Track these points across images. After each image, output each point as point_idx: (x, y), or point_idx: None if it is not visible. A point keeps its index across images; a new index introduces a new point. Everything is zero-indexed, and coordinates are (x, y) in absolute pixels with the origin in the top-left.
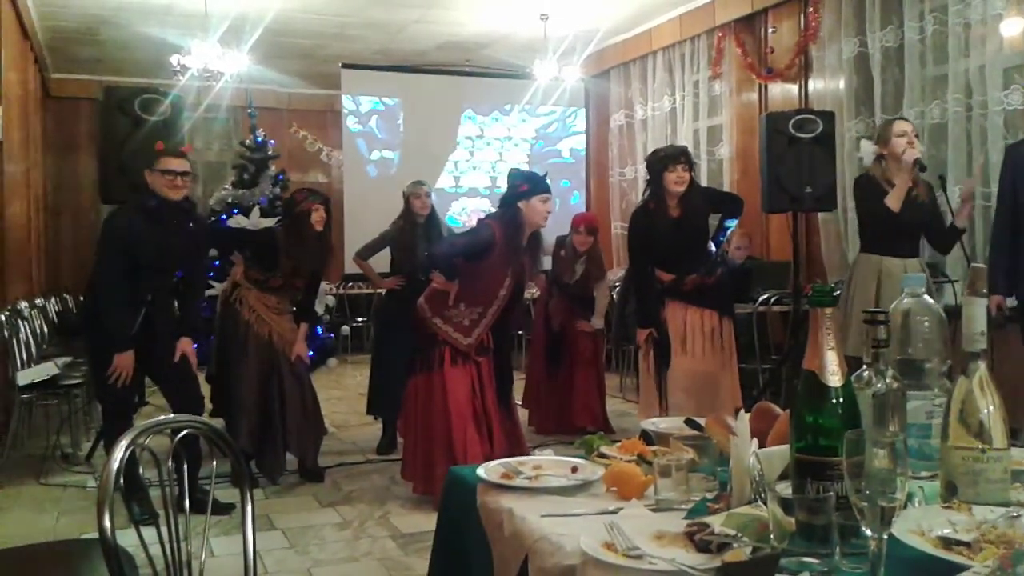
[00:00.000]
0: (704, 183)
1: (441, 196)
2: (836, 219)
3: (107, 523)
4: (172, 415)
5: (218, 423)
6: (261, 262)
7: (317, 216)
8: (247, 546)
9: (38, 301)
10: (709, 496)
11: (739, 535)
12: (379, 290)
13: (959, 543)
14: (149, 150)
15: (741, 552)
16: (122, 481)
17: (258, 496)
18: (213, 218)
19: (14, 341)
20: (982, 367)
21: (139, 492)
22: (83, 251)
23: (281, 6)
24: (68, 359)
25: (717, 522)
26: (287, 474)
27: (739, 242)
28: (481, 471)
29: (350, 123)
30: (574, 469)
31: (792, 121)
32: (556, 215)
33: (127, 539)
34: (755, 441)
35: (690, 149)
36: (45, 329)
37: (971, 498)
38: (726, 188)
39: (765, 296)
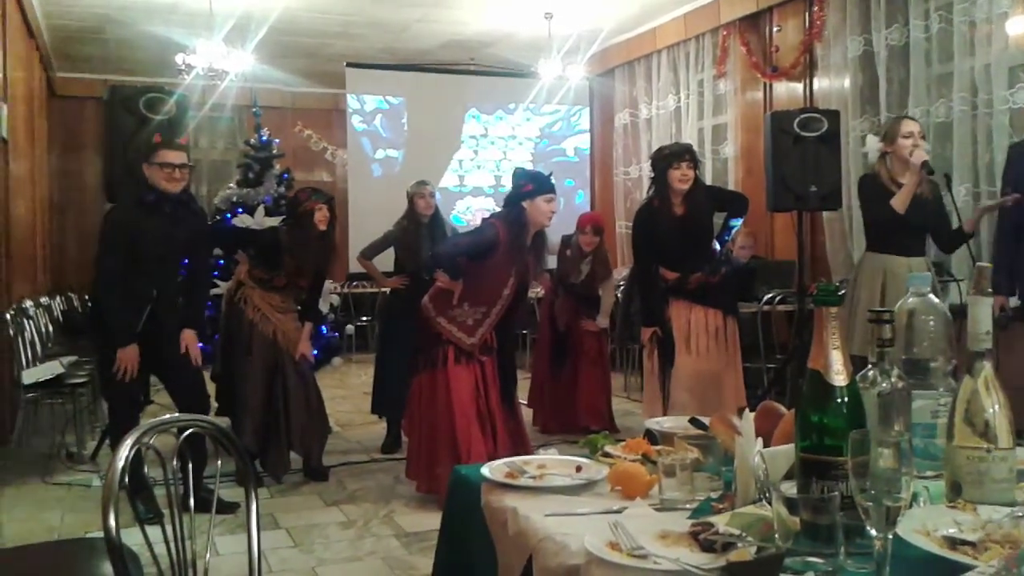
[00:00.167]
0: (708, 182)
1: (445, 195)
2: (841, 218)
3: (112, 522)
4: (178, 414)
5: (223, 422)
6: (265, 261)
7: (320, 215)
8: (252, 545)
9: (43, 300)
10: (713, 496)
11: (743, 535)
12: (383, 289)
13: (964, 543)
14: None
15: (746, 552)
16: (127, 480)
17: (263, 495)
18: (218, 217)
19: (19, 340)
20: (987, 367)
21: (144, 491)
22: (88, 250)
23: (286, 5)
24: (73, 358)
25: (721, 522)
26: (292, 473)
27: (744, 241)
28: (485, 470)
29: (354, 122)
30: (578, 468)
31: (797, 120)
32: (561, 214)
33: (132, 538)
34: (760, 440)
35: (695, 148)
36: (50, 328)
37: (976, 498)
38: (731, 187)
39: (770, 295)
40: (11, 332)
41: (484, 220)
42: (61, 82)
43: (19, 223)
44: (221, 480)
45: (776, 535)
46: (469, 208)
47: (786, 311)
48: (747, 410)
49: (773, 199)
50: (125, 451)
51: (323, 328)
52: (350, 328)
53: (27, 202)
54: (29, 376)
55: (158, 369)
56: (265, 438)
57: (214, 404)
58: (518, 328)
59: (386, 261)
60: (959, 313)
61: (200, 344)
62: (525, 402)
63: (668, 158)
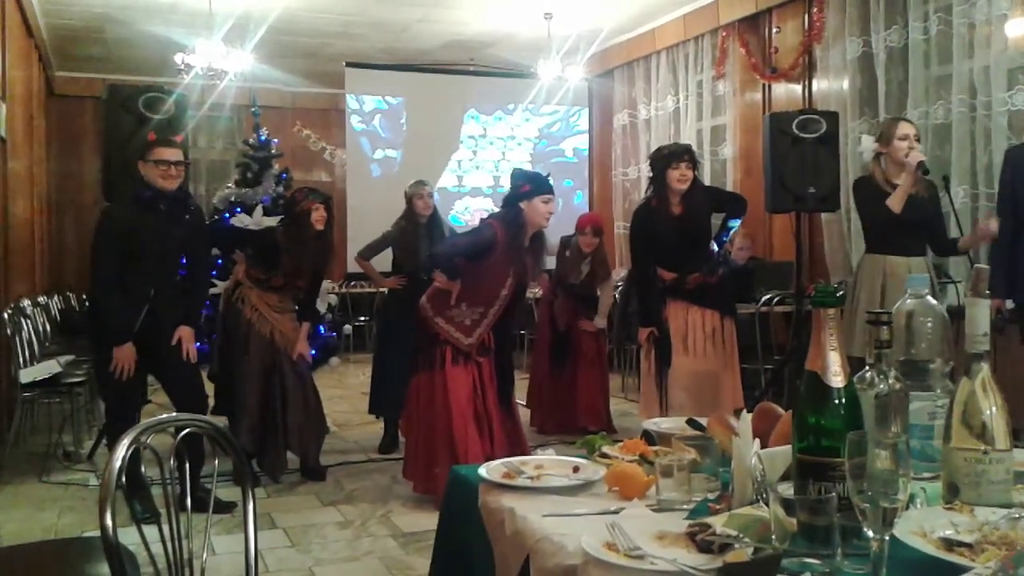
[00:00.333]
0: (707, 183)
1: (444, 195)
2: (839, 219)
3: (109, 521)
4: (175, 413)
5: (220, 421)
6: (263, 261)
7: (317, 215)
8: (249, 545)
9: (41, 299)
10: (711, 496)
11: (741, 536)
12: (382, 289)
13: (961, 544)
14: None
15: (743, 553)
16: (124, 479)
17: (260, 495)
18: (216, 217)
19: (17, 339)
20: (985, 368)
21: (141, 490)
22: (86, 249)
23: (285, 5)
24: (71, 357)
25: (719, 523)
26: (289, 473)
27: (742, 242)
28: (483, 471)
29: (353, 122)
30: (576, 469)
31: (796, 121)
32: (559, 215)
33: (129, 537)
34: (757, 441)
35: (694, 148)
36: (48, 327)
37: (973, 499)
38: (729, 188)
39: (768, 296)
40: (8, 331)
41: (482, 221)
42: (60, 81)
43: (17, 222)
44: (218, 480)
45: (773, 536)
46: (468, 208)
47: (784, 312)
48: (745, 411)
49: (772, 200)
50: (122, 450)
51: (321, 328)
52: (348, 328)
53: (25, 201)
54: (26, 375)
55: (155, 368)
56: (262, 438)
57: (211, 403)
58: (516, 329)
59: (384, 261)
60: (957, 315)
61: (197, 343)
62: (523, 402)
63: (667, 158)
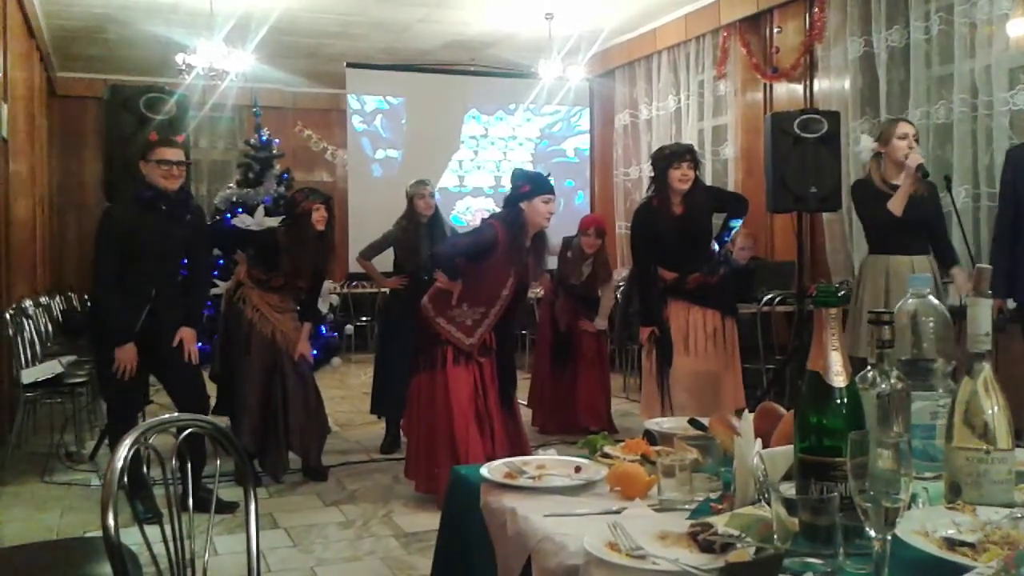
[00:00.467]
0: (708, 183)
1: (445, 195)
2: (841, 219)
3: (111, 521)
4: (177, 414)
5: (222, 422)
6: (264, 262)
7: (318, 216)
8: (250, 545)
9: (43, 299)
10: (713, 496)
11: (743, 535)
12: (383, 289)
13: (963, 544)
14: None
15: (745, 552)
16: (126, 479)
17: (262, 495)
18: (217, 217)
19: (18, 339)
20: (987, 368)
21: (143, 490)
22: (88, 250)
23: (286, 5)
24: (72, 357)
25: (721, 522)
26: (291, 473)
27: (743, 242)
28: (485, 471)
29: (355, 122)
30: (577, 469)
31: (797, 121)
32: (560, 215)
33: (131, 537)
34: (759, 441)
35: (694, 148)
36: (49, 327)
37: (975, 499)
38: (731, 188)
39: (769, 296)
40: (10, 331)
41: (483, 221)
42: (61, 82)
43: (19, 222)
44: (220, 480)
45: (775, 536)
46: (469, 208)
47: (786, 312)
48: (746, 411)
49: (773, 200)
50: (124, 451)
51: (322, 328)
52: (349, 328)
53: (27, 201)
54: (28, 375)
55: (157, 368)
56: (264, 438)
57: (212, 403)
58: (517, 329)
59: (386, 261)
60: (958, 314)
61: (199, 344)
62: (525, 402)
63: (669, 158)
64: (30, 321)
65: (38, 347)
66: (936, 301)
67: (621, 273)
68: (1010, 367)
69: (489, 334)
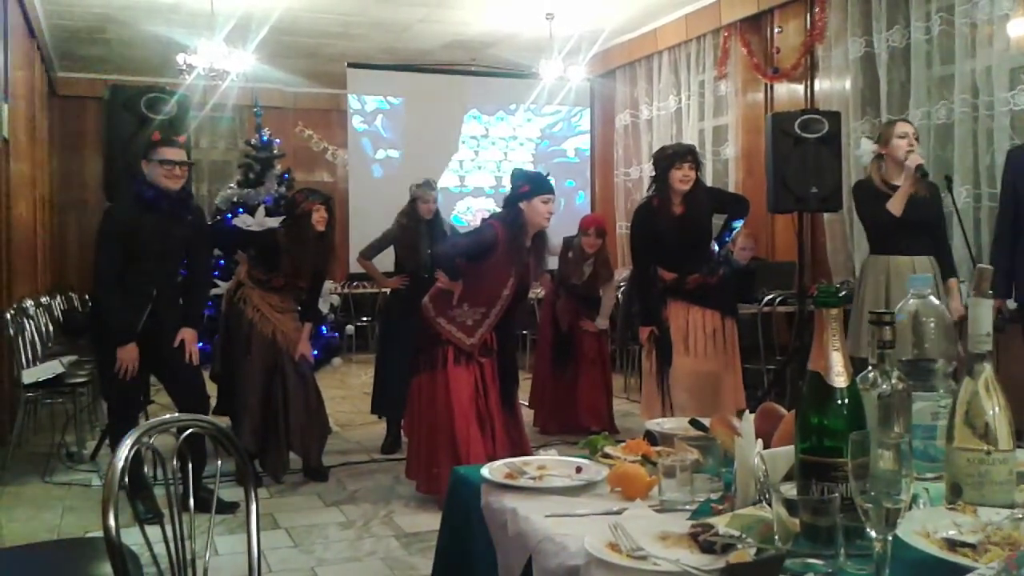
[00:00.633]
0: (709, 183)
1: (446, 196)
2: (842, 219)
3: (111, 521)
4: (177, 414)
5: (223, 422)
6: (264, 262)
7: (318, 216)
8: (251, 545)
9: (43, 300)
10: (713, 497)
11: (743, 536)
12: (384, 289)
13: (964, 545)
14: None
15: (745, 553)
16: (127, 479)
17: (262, 495)
18: (218, 217)
19: (19, 340)
20: (988, 368)
21: (144, 491)
22: (89, 250)
23: (287, 5)
24: (73, 358)
25: (721, 523)
26: (291, 473)
27: (744, 242)
28: (485, 471)
29: (355, 122)
30: (578, 469)
31: (798, 121)
32: (561, 215)
33: (131, 538)
34: (760, 442)
35: (696, 148)
36: (50, 328)
37: (976, 500)
38: (731, 188)
39: (770, 296)
40: (11, 331)
41: (483, 221)
42: (62, 82)
43: (20, 223)
44: (221, 480)
45: (776, 536)
46: (470, 209)
47: (786, 312)
48: (747, 411)
49: (774, 200)
50: (125, 451)
51: (323, 328)
52: (350, 328)
53: (28, 202)
54: (29, 376)
55: (157, 369)
56: (264, 438)
57: (213, 404)
58: (518, 329)
59: (386, 261)
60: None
61: (200, 344)
62: (526, 403)
63: (671, 158)
64: (31, 321)
65: (39, 347)
66: (937, 301)
67: (622, 273)
68: (1011, 367)
69: (490, 334)
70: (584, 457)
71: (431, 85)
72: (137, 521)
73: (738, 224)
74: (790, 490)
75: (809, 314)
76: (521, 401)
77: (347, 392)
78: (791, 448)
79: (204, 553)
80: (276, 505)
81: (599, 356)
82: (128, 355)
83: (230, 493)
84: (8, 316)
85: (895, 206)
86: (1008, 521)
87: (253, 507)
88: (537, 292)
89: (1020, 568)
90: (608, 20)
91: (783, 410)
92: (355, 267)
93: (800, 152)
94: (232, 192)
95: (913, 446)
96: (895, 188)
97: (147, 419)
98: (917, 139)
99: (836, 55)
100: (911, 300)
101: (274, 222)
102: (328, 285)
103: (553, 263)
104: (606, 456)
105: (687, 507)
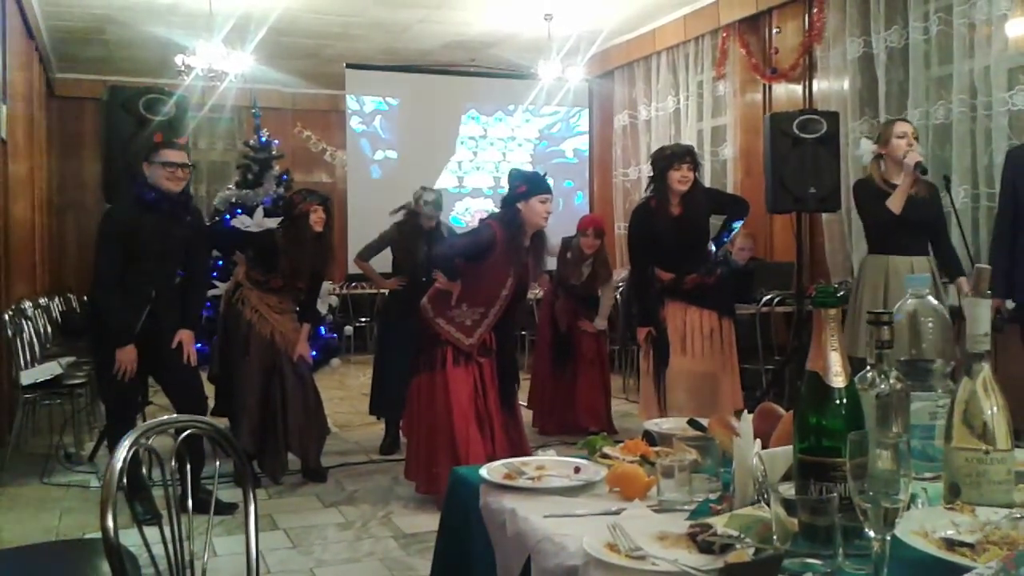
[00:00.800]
0: (708, 183)
1: (444, 196)
2: (840, 219)
3: (110, 523)
4: (175, 415)
5: (221, 423)
6: (262, 263)
7: (316, 217)
8: (250, 546)
9: (42, 301)
10: (712, 497)
11: (742, 536)
12: (382, 290)
13: (962, 544)
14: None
15: (744, 553)
16: (125, 481)
17: (261, 496)
18: (217, 218)
19: (18, 341)
20: (986, 368)
21: (142, 492)
22: (87, 251)
23: (286, 6)
24: (71, 359)
25: (720, 523)
26: (290, 474)
27: (743, 243)
28: (484, 471)
29: (354, 123)
30: (577, 470)
31: (796, 121)
32: (560, 215)
33: (130, 539)
34: (758, 442)
35: (694, 149)
36: (49, 329)
37: (974, 499)
38: (730, 189)
39: (769, 297)
40: (10, 333)
41: (481, 221)
42: (60, 83)
43: (18, 224)
44: (219, 481)
45: (774, 536)
46: (468, 209)
47: (785, 312)
48: (745, 411)
49: (772, 201)
50: (123, 452)
51: (322, 329)
52: (349, 329)
53: (26, 203)
54: (27, 377)
55: (155, 370)
56: (262, 439)
57: (211, 405)
58: (517, 329)
59: (384, 262)
60: (958, 314)
61: (198, 344)
62: (525, 403)
63: (669, 159)
64: (29, 322)
65: (37, 348)
66: (935, 301)
67: (621, 273)
68: (1009, 367)
69: (489, 334)
70: (583, 457)
71: (429, 86)
72: (135, 522)
73: (738, 225)
74: (788, 490)
75: (807, 314)
76: (520, 402)
77: (346, 393)
78: (789, 448)
79: (202, 554)
80: (274, 506)
81: (598, 356)
82: (127, 356)
83: (228, 494)
84: (6, 317)
85: (895, 204)
86: (1006, 520)
87: (251, 508)
88: (536, 292)
89: (1018, 567)
90: (606, 21)
91: (781, 410)
92: (354, 268)
93: (798, 152)
94: (231, 193)
95: (911, 446)
96: (895, 187)
97: (145, 420)
98: (916, 138)
99: (834, 55)
100: (909, 300)
101: (272, 223)
102: (327, 286)
103: (551, 263)
104: (605, 456)
105: (685, 507)
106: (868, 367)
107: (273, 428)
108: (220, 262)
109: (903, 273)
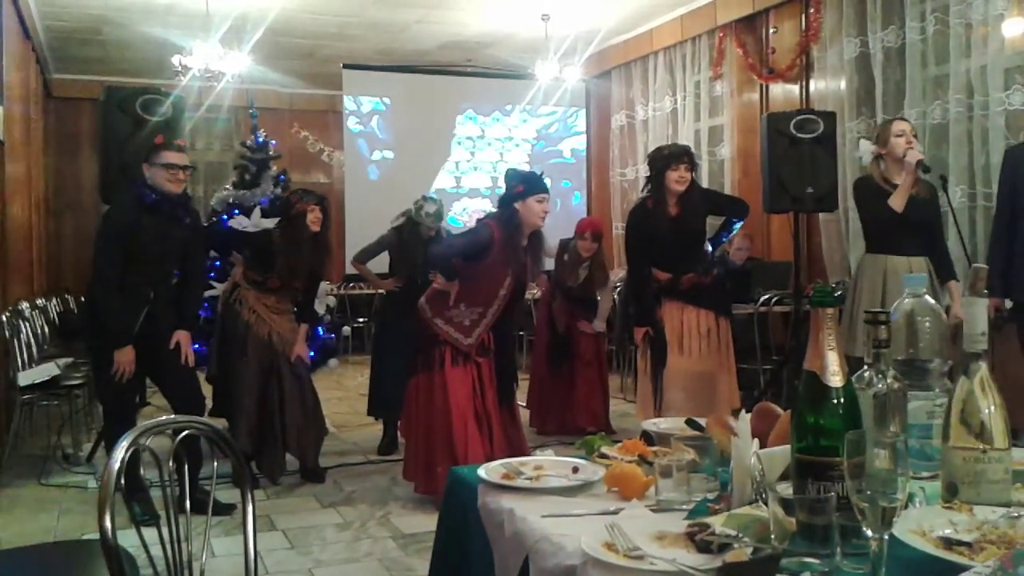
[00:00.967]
0: (705, 184)
1: (442, 197)
2: (837, 219)
3: (108, 523)
4: (173, 416)
5: (219, 423)
6: (260, 263)
7: (313, 217)
8: (248, 546)
9: (39, 302)
10: (710, 496)
11: (740, 535)
12: (380, 291)
13: (960, 543)
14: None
15: (742, 552)
16: (123, 481)
17: (259, 497)
18: (214, 218)
19: (15, 342)
20: (983, 367)
21: (140, 492)
22: (84, 252)
23: (282, 6)
24: (69, 360)
25: (718, 522)
26: (288, 475)
27: (740, 243)
28: (482, 471)
29: (351, 123)
30: (575, 469)
31: (793, 121)
32: (557, 216)
33: (128, 539)
34: (756, 441)
35: (691, 149)
36: (46, 330)
37: (972, 498)
38: (727, 189)
39: (766, 296)
40: (7, 334)
41: (479, 221)
42: (57, 83)
43: (15, 224)
44: (217, 482)
45: (772, 536)
46: (466, 210)
47: (782, 312)
48: (743, 411)
49: (769, 200)
50: (121, 453)
51: (319, 329)
52: (347, 329)
53: (23, 203)
54: (25, 378)
55: (153, 370)
56: (260, 439)
57: (208, 405)
58: (515, 329)
59: (381, 263)
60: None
61: (195, 345)
62: (523, 403)
63: (667, 159)
64: (26, 323)
65: (34, 349)
66: (932, 301)
67: (619, 274)
68: (1006, 366)
69: (487, 334)
70: (581, 457)
71: (426, 86)
72: (133, 523)
73: (738, 225)
74: (786, 489)
75: (805, 314)
76: (518, 402)
77: (344, 393)
78: (787, 448)
79: (201, 555)
80: (273, 507)
81: (596, 357)
82: (125, 357)
83: (226, 495)
84: (4, 318)
85: (896, 202)
86: (1004, 519)
87: (249, 508)
88: (534, 293)
89: (1016, 566)
90: (604, 21)
91: (779, 410)
92: (351, 268)
93: (796, 152)
94: (228, 193)
95: (909, 445)
96: (896, 187)
97: (143, 421)
98: (916, 136)
99: (831, 55)
100: (907, 299)
101: (270, 223)
102: (324, 286)
103: (549, 264)
104: (603, 456)
105: (683, 507)
106: (866, 366)
107: (271, 428)
108: (217, 262)
109: (901, 273)
